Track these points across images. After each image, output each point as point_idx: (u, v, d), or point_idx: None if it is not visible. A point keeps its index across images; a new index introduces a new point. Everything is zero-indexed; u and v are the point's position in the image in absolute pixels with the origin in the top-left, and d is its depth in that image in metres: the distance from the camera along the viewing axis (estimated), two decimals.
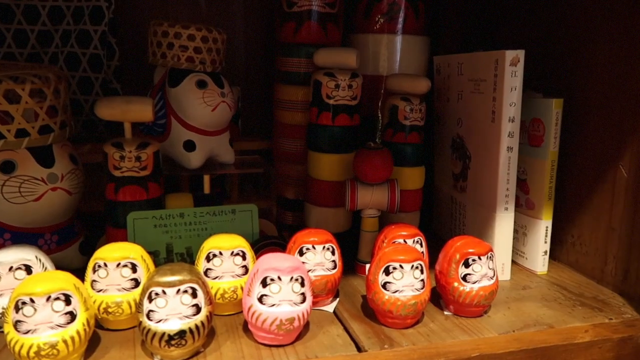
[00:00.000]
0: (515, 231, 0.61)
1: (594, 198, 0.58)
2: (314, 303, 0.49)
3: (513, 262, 0.62)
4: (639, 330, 0.47)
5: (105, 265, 0.44)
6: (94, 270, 0.44)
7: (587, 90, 0.58)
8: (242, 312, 0.46)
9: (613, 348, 0.46)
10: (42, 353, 0.37)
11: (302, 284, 0.43)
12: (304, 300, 0.43)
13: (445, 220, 0.71)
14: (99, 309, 0.44)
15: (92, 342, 0.43)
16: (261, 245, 0.54)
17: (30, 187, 0.50)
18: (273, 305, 0.42)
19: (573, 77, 0.60)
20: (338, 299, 0.53)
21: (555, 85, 0.63)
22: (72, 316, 0.39)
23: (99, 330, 0.45)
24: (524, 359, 0.44)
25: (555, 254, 0.64)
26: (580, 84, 0.59)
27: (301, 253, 0.50)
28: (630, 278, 0.54)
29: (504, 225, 0.58)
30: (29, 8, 0.69)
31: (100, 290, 0.44)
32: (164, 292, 0.40)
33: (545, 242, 0.60)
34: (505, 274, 0.58)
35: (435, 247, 0.56)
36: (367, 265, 0.52)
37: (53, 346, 0.37)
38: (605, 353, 0.46)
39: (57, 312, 0.38)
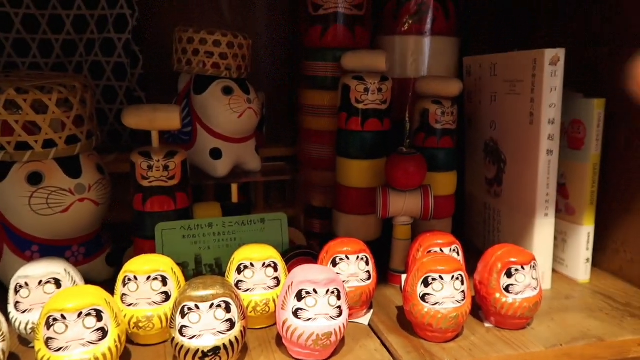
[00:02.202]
0: (555, 238, 0.59)
1: (638, 202, 0.55)
2: (349, 316, 0.47)
3: (553, 270, 0.59)
4: None
5: (136, 278, 0.43)
6: (124, 284, 0.43)
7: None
8: (274, 324, 0.44)
9: None
10: None
11: (339, 297, 0.41)
12: (340, 314, 0.41)
13: (478, 227, 0.69)
14: (129, 324, 0.42)
15: (123, 358, 0.42)
16: (292, 255, 0.52)
17: (58, 198, 0.49)
18: (309, 319, 0.40)
19: (615, 76, 0.57)
20: (372, 311, 0.51)
21: (596, 85, 0.60)
22: (104, 332, 0.38)
23: (129, 345, 0.44)
24: None
25: (597, 261, 0.61)
26: (623, 83, 0.56)
27: (334, 264, 0.48)
28: None
29: (544, 231, 0.55)
30: (54, 18, 0.68)
31: (131, 305, 0.43)
32: (197, 307, 0.38)
33: (587, 249, 0.57)
34: (545, 283, 0.56)
35: (469, 256, 0.54)
36: (402, 276, 0.50)
37: None
38: None
39: (88, 328, 0.37)
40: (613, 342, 0.45)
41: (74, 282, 0.44)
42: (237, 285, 0.46)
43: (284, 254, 0.51)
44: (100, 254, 0.56)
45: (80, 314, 0.37)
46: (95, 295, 0.38)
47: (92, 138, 0.54)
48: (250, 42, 0.62)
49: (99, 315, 0.37)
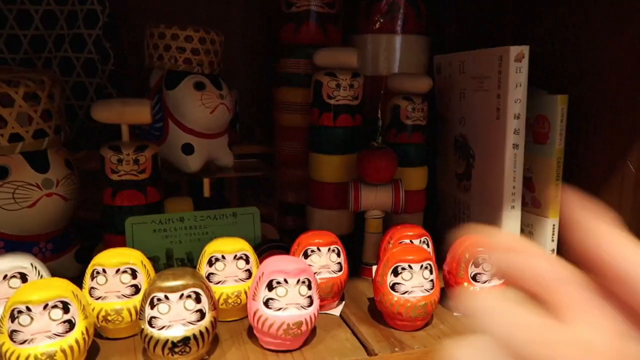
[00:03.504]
0: (521, 230, 0.60)
1: (601, 195, 0.57)
2: (320, 307, 0.48)
3: None
4: None
5: (104, 271, 0.42)
6: (92, 277, 0.43)
7: (593, 86, 0.58)
8: (246, 317, 0.44)
9: None
10: None
11: (309, 287, 0.42)
12: (311, 304, 0.42)
13: (449, 221, 0.70)
14: (98, 317, 0.42)
15: (91, 352, 0.41)
16: (264, 248, 0.52)
17: (25, 192, 0.48)
18: (280, 309, 0.41)
19: (579, 73, 0.59)
20: (344, 302, 0.51)
21: (560, 82, 0.62)
22: (71, 325, 0.37)
23: (98, 340, 0.43)
24: None
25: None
26: (586, 79, 0.58)
27: (306, 255, 0.49)
28: None
29: (510, 224, 0.57)
30: (22, 13, 0.67)
31: (99, 298, 0.42)
32: (166, 297, 0.38)
33: (553, 241, 0.59)
34: None
35: (439, 248, 0.55)
36: (373, 268, 0.50)
37: (51, 356, 0.36)
38: None
39: (54, 320, 0.36)
40: None
41: (41, 277, 0.43)
42: (208, 277, 0.46)
43: (256, 248, 0.51)
44: (69, 250, 0.55)
45: (46, 306, 0.36)
46: (61, 287, 0.37)
47: (60, 133, 0.53)
48: (223, 39, 0.62)
49: (65, 307, 0.37)
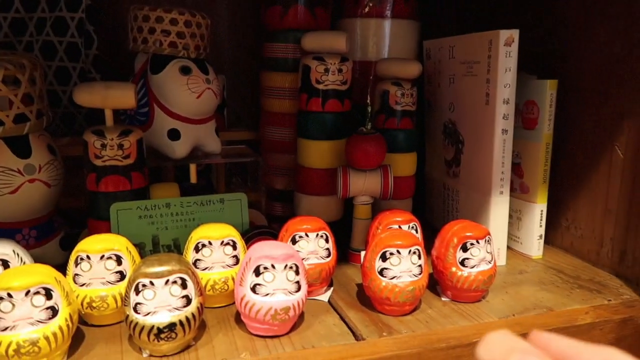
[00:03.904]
0: (510, 216, 0.60)
1: (589, 180, 0.58)
2: (308, 292, 0.47)
3: (508, 247, 0.61)
4: (638, 311, 0.47)
5: (88, 257, 0.42)
6: (76, 264, 0.42)
7: (582, 71, 0.58)
8: (233, 303, 0.44)
9: (614, 329, 0.46)
10: (22, 351, 0.35)
11: (297, 272, 0.41)
12: (298, 289, 0.41)
13: (437, 208, 0.70)
14: (82, 304, 0.41)
15: (76, 339, 0.40)
16: (252, 235, 0.52)
17: (6, 178, 0.47)
18: (267, 294, 0.40)
19: (568, 59, 0.59)
20: (332, 288, 0.51)
21: (550, 67, 0.62)
22: (54, 311, 0.36)
23: (83, 327, 0.43)
24: None
25: (549, 238, 0.63)
26: (576, 65, 0.58)
27: (294, 241, 0.48)
28: (627, 260, 0.53)
29: (499, 209, 0.57)
30: None
31: (84, 285, 0.42)
32: (151, 283, 0.37)
33: (540, 226, 0.59)
34: (501, 259, 0.57)
35: (428, 235, 0.55)
36: (362, 254, 0.50)
37: (34, 343, 0.35)
38: (607, 334, 0.45)
39: (37, 307, 0.36)
40: (562, 311, 0.47)
41: (23, 264, 0.43)
42: (195, 264, 0.45)
43: (243, 234, 0.51)
44: (53, 237, 0.54)
45: (27, 292, 0.35)
46: (44, 273, 0.37)
47: (42, 118, 0.52)
48: (209, 22, 0.61)
49: (48, 294, 0.36)
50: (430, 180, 0.72)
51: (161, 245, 0.51)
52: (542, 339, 0.20)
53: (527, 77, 0.58)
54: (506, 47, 0.53)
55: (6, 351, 0.35)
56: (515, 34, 0.53)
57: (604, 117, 0.55)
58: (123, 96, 0.49)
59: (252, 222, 0.57)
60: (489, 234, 0.48)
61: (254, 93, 0.76)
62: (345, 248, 0.58)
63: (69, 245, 0.55)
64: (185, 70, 0.57)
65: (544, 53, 0.63)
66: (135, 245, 0.45)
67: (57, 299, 0.37)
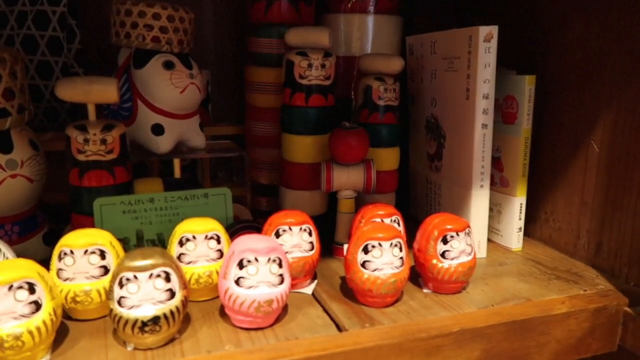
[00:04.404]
0: (490, 209, 0.62)
1: (567, 174, 0.59)
2: (292, 285, 0.48)
3: (488, 240, 0.62)
4: (612, 300, 0.48)
5: (72, 252, 0.42)
6: (60, 258, 0.42)
7: (560, 66, 0.59)
8: (218, 297, 0.44)
9: (589, 318, 0.47)
10: (6, 345, 0.35)
11: (280, 265, 0.42)
12: (282, 282, 0.42)
13: (421, 202, 0.71)
14: (66, 299, 0.41)
15: (60, 333, 0.41)
16: (236, 229, 0.52)
17: None
18: (250, 287, 0.41)
19: (547, 54, 0.60)
20: (316, 281, 0.52)
21: (529, 63, 0.63)
22: (37, 305, 0.36)
23: (67, 322, 0.43)
24: (503, 331, 0.44)
25: (529, 231, 0.65)
26: (554, 60, 0.60)
27: (277, 235, 0.49)
28: (602, 251, 0.55)
29: (479, 202, 0.58)
30: None
31: (67, 279, 0.42)
32: (135, 277, 0.38)
33: (520, 219, 0.61)
34: (481, 252, 0.59)
35: (412, 229, 0.56)
36: (345, 247, 0.51)
37: (17, 337, 0.35)
38: (582, 323, 0.47)
39: (20, 301, 0.36)
40: (539, 301, 0.48)
41: (6, 259, 0.43)
42: (179, 257, 0.46)
43: (228, 229, 0.51)
44: (37, 233, 0.54)
45: (10, 287, 0.35)
46: (26, 268, 0.37)
47: (24, 112, 0.51)
48: (193, 16, 0.61)
49: (31, 288, 0.36)
50: (413, 175, 0.73)
51: (145, 240, 0.51)
52: None
53: (507, 73, 0.60)
54: (485, 43, 0.54)
55: None
56: (494, 30, 0.53)
57: (581, 112, 0.57)
58: (105, 91, 0.49)
59: (237, 216, 0.58)
60: (468, 226, 0.49)
61: (238, 88, 0.76)
62: (330, 242, 0.59)
63: (52, 240, 0.55)
64: (168, 65, 0.57)
65: (523, 49, 0.64)
66: (119, 240, 0.45)
67: (41, 293, 0.37)
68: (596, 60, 0.54)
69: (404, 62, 0.61)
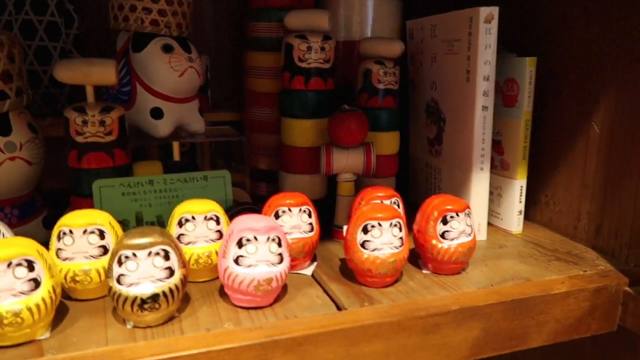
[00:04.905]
0: (490, 193, 0.62)
1: (567, 156, 0.59)
2: (292, 267, 0.48)
3: (489, 223, 0.62)
4: (612, 280, 0.48)
5: (71, 232, 0.42)
6: (59, 238, 0.42)
7: (561, 49, 0.59)
8: (217, 277, 0.45)
9: (588, 298, 0.47)
10: (5, 322, 0.35)
11: (279, 244, 0.42)
12: (281, 261, 0.42)
13: (421, 187, 0.71)
14: (65, 278, 0.41)
15: (60, 312, 0.41)
16: (236, 211, 0.52)
17: None
18: (250, 266, 0.41)
19: (547, 37, 0.60)
20: (316, 263, 0.52)
21: (529, 45, 0.63)
22: (36, 283, 0.37)
23: (67, 301, 0.43)
24: (503, 310, 0.44)
25: (529, 214, 0.65)
26: (555, 43, 0.59)
27: (277, 216, 0.49)
28: (602, 232, 0.55)
29: (479, 185, 0.58)
30: None
31: (67, 259, 0.42)
32: (134, 255, 0.38)
33: (520, 202, 0.60)
34: (481, 234, 0.59)
35: (412, 214, 0.56)
36: (345, 229, 0.51)
37: (17, 314, 0.35)
38: (581, 303, 0.47)
39: (19, 278, 0.36)
40: (539, 281, 0.48)
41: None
42: (178, 238, 0.46)
43: (227, 211, 0.51)
44: (36, 216, 0.54)
45: (9, 264, 0.35)
46: (25, 245, 0.37)
47: (22, 95, 0.51)
48: (191, 0, 0.61)
49: (30, 266, 0.36)
50: (413, 159, 0.73)
51: (145, 222, 0.51)
52: None
53: (508, 55, 0.59)
54: (486, 24, 0.53)
55: None
56: (495, 11, 0.53)
57: (582, 94, 0.56)
58: (104, 72, 0.49)
59: (236, 200, 0.58)
60: (468, 207, 0.49)
61: (238, 74, 0.75)
62: (330, 225, 0.59)
63: (51, 224, 0.54)
64: (167, 49, 0.57)
65: (524, 31, 0.63)
66: (119, 222, 0.45)
67: (40, 271, 0.37)
68: (597, 44, 0.54)
69: (404, 46, 0.61)
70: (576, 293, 0.46)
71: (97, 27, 0.70)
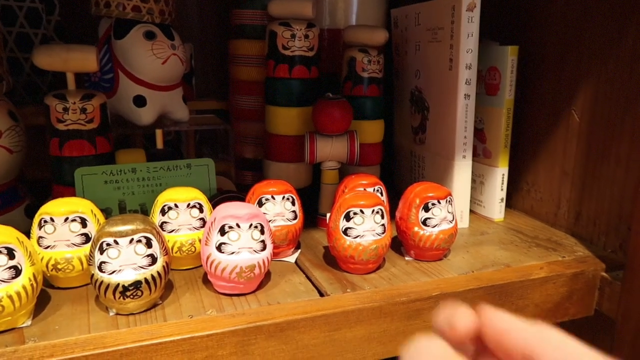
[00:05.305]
0: (473, 181, 0.62)
1: (548, 144, 0.60)
2: (275, 254, 0.49)
3: (471, 211, 0.63)
4: (590, 266, 0.49)
5: (52, 220, 0.42)
6: (40, 226, 0.42)
7: (542, 37, 0.59)
8: (200, 265, 0.45)
9: (566, 283, 0.48)
10: None
11: (262, 231, 0.42)
12: (264, 248, 0.42)
13: (405, 175, 0.71)
14: (47, 266, 0.41)
15: (42, 300, 0.41)
16: (219, 199, 0.52)
17: None
18: (232, 253, 0.41)
19: (529, 25, 0.61)
20: (299, 250, 0.52)
21: (511, 34, 0.63)
22: (17, 271, 0.36)
23: (50, 290, 0.43)
24: (483, 295, 0.45)
25: (511, 202, 0.66)
26: (536, 31, 0.60)
27: (260, 204, 0.49)
28: (581, 219, 0.56)
29: (462, 173, 0.58)
30: None
31: (48, 247, 0.42)
32: (116, 242, 0.38)
33: (502, 190, 0.61)
34: (463, 222, 0.59)
35: (395, 201, 0.56)
36: (328, 216, 0.51)
37: None
38: (559, 288, 0.48)
39: None
40: (518, 267, 0.49)
41: None
42: (161, 226, 0.46)
43: (211, 199, 0.51)
44: (18, 205, 0.54)
45: None
46: (5, 233, 0.37)
47: (1, 83, 0.51)
48: None
49: (10, 253, 0.36)
50: (398, 148, 0.73)
51: (128, 210, 0.51)
52: (488, 314, 0.21)
53: (490, 44, 0.60)
54: (468, 12, 0.53)
55: None
56: None
57: (562, 82, 0.57)
58: (84, 59, 0.48)
59: (220, 188, 0.58)
60: (450, 194, 0.50)
61: (222, 62, 0.75)
62: (314, 213, 0.59)
63: (34, 213, 0.54)
64: (149, 35, 0.56)
65: (506, 20, 0.64)
66: (101, 210, 0.45)
67: (20, 258, 0.37)
68: (576, 32, 0.54)
69: (388, 34, 0.61)
70: (554, 278, 0.47)
71: (79, 14, 0.69)
